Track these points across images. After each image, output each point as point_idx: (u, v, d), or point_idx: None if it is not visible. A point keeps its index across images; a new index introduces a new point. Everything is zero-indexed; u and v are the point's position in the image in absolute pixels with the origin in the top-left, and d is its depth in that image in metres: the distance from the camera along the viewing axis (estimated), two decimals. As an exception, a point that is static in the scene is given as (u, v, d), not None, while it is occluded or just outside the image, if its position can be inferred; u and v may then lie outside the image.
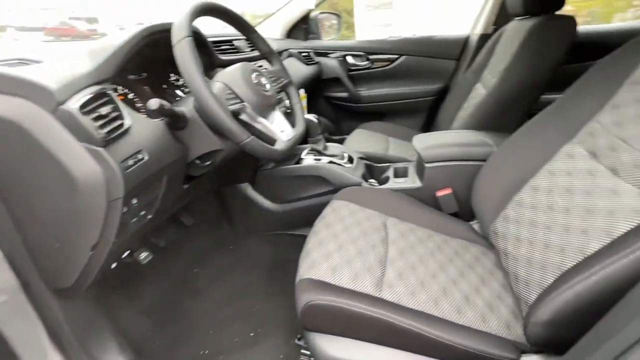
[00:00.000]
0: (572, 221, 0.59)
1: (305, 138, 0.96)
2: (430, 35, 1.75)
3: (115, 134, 0.58)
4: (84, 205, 0.57)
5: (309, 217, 1.16)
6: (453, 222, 0.92)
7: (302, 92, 1.57)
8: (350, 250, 0.75)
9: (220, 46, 1.03)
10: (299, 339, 0.95)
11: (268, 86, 0.75)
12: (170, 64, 0.90)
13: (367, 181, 1.11)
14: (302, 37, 1.84)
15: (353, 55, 1.85)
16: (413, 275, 0.70)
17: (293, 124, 0.87)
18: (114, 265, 0.75)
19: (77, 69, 0.59)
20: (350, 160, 1.17)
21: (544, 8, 1.10)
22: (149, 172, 0.63)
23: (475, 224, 0.95)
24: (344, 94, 1.91)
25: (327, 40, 1.94)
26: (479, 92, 1.32)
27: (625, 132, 0.58)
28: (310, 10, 1.72)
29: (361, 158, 1.23)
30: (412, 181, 1.06)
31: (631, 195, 0.52)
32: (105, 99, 0.59)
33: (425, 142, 1.03)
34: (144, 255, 0.91)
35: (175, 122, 0.70)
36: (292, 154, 1.22)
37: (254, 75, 0.73)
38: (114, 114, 0.59)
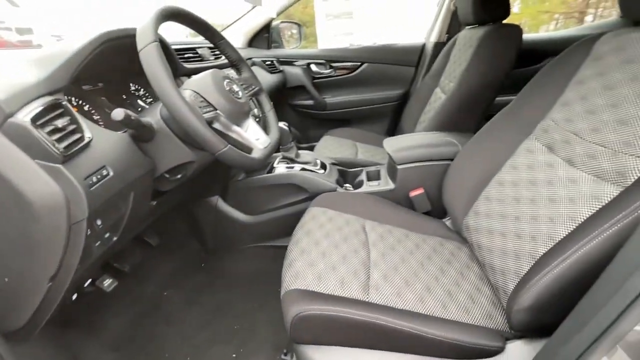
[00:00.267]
0: (539, 210, 0.64)
1: (277, 146, 0.95)
2: (389, 43, 1.82)
3: (75, 148, 0.52)
4: (40, 231, 0.50)
5: (285, 226, 1.14)
6: (427, 221, 0.96)
7: (268, 100, 1.55)
8: (334, 257, 0.74)
9: (184, 54, 0.99)
10: (285, 354, 0.92)
11: (241, 93, 0.72)
12: (130, 73, 0.84)
13: (342, 186, 1.12)
14: (265, 46, 1.83)
15: (316, 64, 1.87)
16: (397, 275, 0.71)
17: (266, 132, 0.85)
18: (74, 297, 0.67)
19: (26, 78, 0.52)
20: (323, 166, 1.17)
21: (492, 17, 1.20)
22: (114, 190, 0.58)
23: (447, 221, 1.00)
24: (310, 102, 1.92)
25: (289, 49, 1.95)
26: (439, 96, 1.40)
27: (575, 127, 0.64)
28: (272, 19, 1.72)
29: (333, 164, 1.23)
30: (385, 183, 1.09)
31: (588, 182, 0.57)
32: (60, 110, 0.53)
33: (396, 145, 1.06)
34: (107, 282, 0.83)
35: (141, 134, 0.65)
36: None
37: (225, 82, 0.70)
38: (71, 127, 0.53)
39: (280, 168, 1.14)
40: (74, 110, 0.55)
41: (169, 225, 1.24)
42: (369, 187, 1.09)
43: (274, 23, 1.81)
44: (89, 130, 0.56)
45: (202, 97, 0.66)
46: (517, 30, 1.13)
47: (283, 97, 1.90)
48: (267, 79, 1.62)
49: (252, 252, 1.25)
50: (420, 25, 1.85)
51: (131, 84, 0.84)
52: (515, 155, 0.76)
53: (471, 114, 1.24)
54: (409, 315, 0.62)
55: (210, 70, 0.70)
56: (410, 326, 0.58)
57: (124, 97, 0.80)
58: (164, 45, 0.77)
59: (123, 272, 0.97)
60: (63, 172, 0.49)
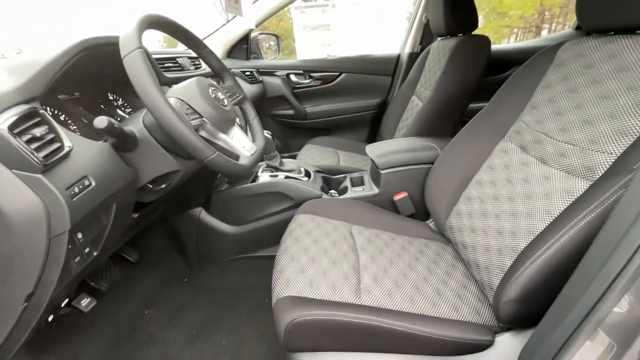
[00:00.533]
0: (517, 207, 0.67)
1: (263, 153, 0.94)
2: (366, 54, 1.88)
3: (55, 157, 0.50)
4: (17, 247, 0.47)
5: (270, 236, 1.13)
6: (411, 223, 0.98)
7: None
8: (324, 262, 0.75)
9: (164, 63, 0.97)
10: None
11: (226, 101, 0.72)
12: (108, 82, 0.82)
13: (327, 193, 1.12)
14: (243, 57, 1.83)
15: (296, 74, 1.89)
16: (387, 277, 0.72)
17: (252, 139, 0.85)
18: (50, 318, 0.62)
19: (0, 86, 0.50)
20: (307, 174, 1.18)
21: (462, 29, 1.27)
22: (97, 201, 0.55)
23: (430, 223, 1.02)
24: (290, 112, 1.93)
25: (268, 60, 1.97)
26: (416, 104, 1.45)
27: (545, 127, 0.68)
28: (251, 31, 1.73)
29: (317, 171, 1.24)
30: (369, 188, 1.11)
31: (560, 178, 0.61)
32: (37, 119, 0.51)
33: (378, 151, 1.09)
34: (85, 302, 0.78)
35: (124, 143, 0.63)
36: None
37: (210, 89, 0.69)
38: (49, 136, 0.50)
39: (264, 177, 1.14)
40: (51, 119, 0.53)
41: (149, 241, 1.19)
42: (353, 192, 1.11)
43: (253, 34, 1.82)
44: (68, 139, 0.53)
45: (187, 104, 0.65)
46: (486, 40, 1.21)
47: (263, 107, 1.90)
48: (247, 89, 1.62)
49: (237, 264, 1.23)
50: (394, 37, 1.93)
51: (109, 94, 0.81)
52: (491, 156, 0.80)
53: (447, 119, 1.30)
54: (401, 315, 0.63)
55: (195, 78, 0.69)
56: (403, 325, 0.59)
57: (102, 106, 0.78)
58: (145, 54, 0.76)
59: (100, 291, 0.92)
60: (43, 182, 0.47)
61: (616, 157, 0.53)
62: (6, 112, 0.47)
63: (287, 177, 1.13)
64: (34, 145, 0.47)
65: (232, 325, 1.05)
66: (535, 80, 0.75)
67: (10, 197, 0.45)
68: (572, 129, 0.62)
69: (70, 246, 0.51)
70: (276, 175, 1.14)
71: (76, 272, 0.58)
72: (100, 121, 0.55)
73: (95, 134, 0.66)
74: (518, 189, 0.69)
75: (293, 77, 1.90)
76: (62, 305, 0.71)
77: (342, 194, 1.12)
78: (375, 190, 1.08)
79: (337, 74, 1.87)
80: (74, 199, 0.50)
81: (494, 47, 1.29)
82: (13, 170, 0.46)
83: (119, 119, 0.78)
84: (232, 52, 1.78)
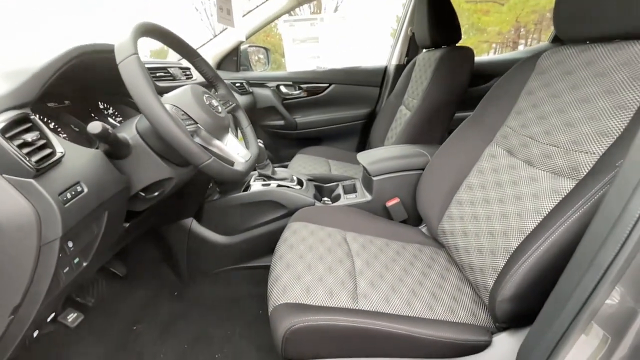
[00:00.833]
0: (507, 208, 0.69)
1: (257, 160, 0.94)
2: (354, 66, 1.93)
3: (47, 162, 0.49)
4: (5, 254, 0.45)
5: (263, 245, 1.12)
6: (405, 229, 0.99)
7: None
8: (320, 268, 0.74)
9: (155, 73, 0.97)
10: None
11: (220, 108, 0.72)
12: (99, 91, 0.81)
13: (320, 201, 1.13)
14: (233, 69, 1.85)
15: (285, 85, 1.92)
16: (383, 282, 0.72)
17: (246, 147, 0.85)
18: (35, 334, 0.59)
19: None
20: (300, 182, 1.18)
21: (446, 41, 1.33)
22: (89, 208, 0.54)
23: (423, 228, 1.04)
24: (280, 122, 1.95)
25: (258, 71, 1.99)
26: (404, 113, 1.49)
27: (530, 131, 0.71)
28: (241, 43, 1.76)
29: (310, 180, 1.25)
30: (362, 195, 1.11)
31: (547, 179, 0.64)
32: (28, 124, 0.50)
33: (369, 158, 1.10)
34: (72, 317, 0.75)
35: (117, 150, 0.62)
36: (239, 182, 1.18)
37: (205, 96, 0.70)
38: (41, 142, 0.49)
39: (257, 185, 1.13)
40: (43, 125, 0.52)
41: (138, 254, 1.16)
42: (346, 200, 1.11)
43: (242, 47, 1.85)
44: (60, 145, 0.52)
45: (182, 110, 0.65)
46: (469, 51, 1.27)
47: (253, 118, 1.91)
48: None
49: (230, 275, 1.20)
50: (380, 49, 2.00)
51: (99, 102, 0.80)
52: (480, 161, 0.82)
53: (435, 127, 1.33)
54: (399, 318, 0.63)
55: (189, 85, 0.69)
56: (402, 328, 0.59)
57: (93, 115, 0.77)
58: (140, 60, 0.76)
59: (87, 307, 0.88)
60: (35, 187, 0.45)
61: (599, 157, 0.55)
62: None
63: (279, 185, 1.13)
64: (26, 150, 0.46)
65: (226, 338, 1.02)
66: (518, 87, 0.78)
67: None
68: (555, 132, 0.65)
69: (60, 255, 0.50)
70: (268, 184, 1.13)
71: (65, 283, 0.55)
72: (94, 126, 0.54)
73: (86, 142, 0.65)
74: (507, 191, 0.71)
75: (283, 88, 1.92)
76: (48, 320, 0.68)
77: (335, 202, 1.13)
78: (368, 197, 1.09)
79: (327, 85, 1.91)
80: (67, 205, 0.49)
81: (476, 59, 1.34)
82: (3, 175, 0.45)
83: (109, 128, 0.77)
84: (222, 64, 1.80)
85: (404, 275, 0.75)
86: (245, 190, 1.13)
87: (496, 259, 0.66)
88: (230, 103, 0.87)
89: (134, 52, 0.55)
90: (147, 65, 0.84)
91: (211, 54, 1.71)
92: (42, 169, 0.47)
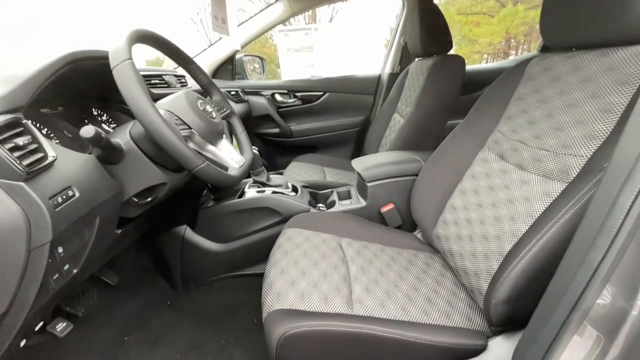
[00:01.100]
0: (500, 212, 0.69)
1: (251, 166, 0.94)
2: (349, 74, 1.95)
3: (39, 166, 0.48)
4: None
5: (258, 253, 1.11)
6: (399, 235, 0.99)
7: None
8: (314, 274, 0.74)
9: (150, 80, 0.98)
10: None
11: (214, 114, 0.73)
12: (92, 97, 0.81)
13: (315, 207, 1.13)
14: (229, 78, 1.86)
15: (280, 93, 1.94)
16: (378, 288, 0.72)
17: (240, 153, 0.85)
18: (23, 344, 0.58)
19: None
20: (295, 189, 1.18)
21: (438, 50, 1.35)
22: (80, 213, 0.53)
23: (418, 234, 1.04)
24: (275, 130, 1.96)
25: (253, 80, 2.01)
26: (398, 120, 1.51)
27: (520, 136, 0.72)
28: (236, 52, 1.77)
29: (304, 186, 1.25)
30: (356, 201, 1.12)
31: (538, 182, 0.64)
32: (20, 129, 0.49)
33: (364, 164, 1.11)
34: (61, 327, 0.73)
35: (110, 155, 0.62)
36: (234, 189, 1.17)
37: (199, 102, 0.70)
38: (32, 146, 0.49)
39: (251, 192, 1.13)
40: (35, 130, 0.52)
41: (130, 262, 1.14)
42: (341, 206, 1.11)
43: (238, 56, 1.86)
44: (52, 149, 0.52)
45: (176, 116, 0.65)
46: (460, 59, 1.30)
47: (249, 126, 1.92)
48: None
49: (224, 283, 1.19)
50: (374, 58, 2.03)
51: (93, 109, 0.80)
52: (473, 166, 0.83)
53: (428, 134, 1.35)
54: (394, 323, 0.62)
55: (184, 91, 0.70)
56: (398, 333, 0.59)
57: (86, 121, 0.77)
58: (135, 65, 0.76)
59: (77, 317, 0.86)
60: (25, 190, 0.45)
61: (587, 159, 0.57)
62: None
63: (274, 192, 1.13)
64: (17, 153, 0.46)
65: (220, 348, 1.00)
66: (508, 94, 0.80)
67: None
68: (545, 136, 0.66)
69: (50, 260, 0.49)
70: (263, 191, 1.13)
71: (54, 290, 0.54)
72: (87, 130, 0.54)
73: (79, 148, 0.64)
74: (500, 195, 0.72)
75: (278, 97, 1.94)
76: (36, 329, 0.67)
77: (330, 208, 1.13)
78: (363, 203, 1.09)
79: (321, 93, 1.93)
80: (57, 209, 0.48)
81: (468, 67, 1.37)
82: None
83: (102, 132, 0.77)
84: (217, 73, 1.81)
85: (399, 281, 0.75)
86: (240, 197, 1.12)
87: (490, 262, 0.67)
88: (225, 109, 0.87)
89: (128, 57, 0.56)
90: (141, 73, 0.85)
91: (207, 63, 1.72)
92: (33, 173, 0.47)
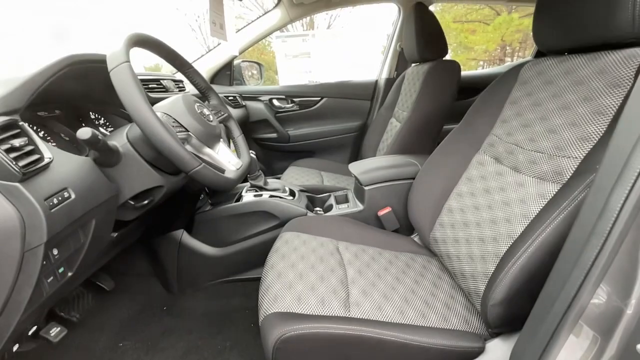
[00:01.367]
0: (496, 214, 0.70)
1: (248, 170, 0.95)
2: (346, 80, 1.97)
3: (35, 167, 0.48)
4: None
5: (255, 257, 1.10)
6: (397, 238, 0.99)
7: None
8: (311, 277, 0.74)
9: (148, 85, 0.98)
10: None
11: (212, 117, 0.73)
12: (90, 101, 0.81)
13: (312, 211, 1.13)
14: (227, 83, 1.88)
15: (278, 99, 1.95)
16: (375, 291, 0.72)
17: (238, 156, 0.85)
18: (15, 348, 0.57)
19: None
20: (292, 193, 1.18)
21: (433, 56, 1.37)
22: (76, 214, 0.53)
23: (415, 237, 1.04)
24: (273, 135, 1.96)
25: (251, 86, 2.02)
26: (394, 125, 1.52)
27: (515, 139, 0.73)
28: (234, 57, 1.79)
29: (302, 190, 1.25)
30: (354, 205, 1.12)
31: (533, 184, 0.65)
32: (17, 130, 0.50)
33: (361, 168, 1.11)
34: (55, 331, 0.72)
35: (106, 158, 0.62)
36: (231, 193, 1.17)
37: (196, 105, 0.70)
38: (28, 147, 0.49)
39: (249, 196, 1.13)
40: (31, 131, 0.52)
41: (126, 267, 1.13)
42: (338, 210, 1.11)
43: (236, 62, 1.88)
44: (49, 151, 0.52)
45: (173, 118, 0.65)
46: (456, 64, 1.31)
47: (246, 131, 1.92)
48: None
49: (221, 288, 1.18)
50: (370, 64, 2.05)
51: (91, 113, 0.80)
52: (469, 169, 0.84)
53: (424, 138, 1.36)
54: (392, 325, 0.62)
55: (181, 95, 0.70)
56: (395, 335, 0.58)
57: (83, 125, 0.77)
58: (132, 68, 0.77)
59: (71, 322, 0.85)
60: (21, 191, 0.45)
61: (580, 161, 0.57)
62: None
63: (271, 196, 1.13)
64: (13, 154, 0.46)
65: (217, 353, 0.99)
66: (503, 97, 0.81)
67: None
68: (539, 139, 0.66)
69: (44, 262, 0.48)
70: (260, 195, 1.13)
71: (48, 293, 0.54)
72: (84, 132, 0.54)
73: (76, 150, 0.64)
74: (496, 197, 0.72)
75: (276, 102, 1.95)
76: (29, 334, 0.66)
77: (327, 212, 1.13)
78: (360, 206, 1.09)
79: (319, 98, 1.94)
80: (52, 210, 0.48)
81: (463, 73, 1.39)
82: None
83: (99, 134, 0.77)
84: (215, 78, 1.82)
85: (396, 284, 0.75)
86: (237, 201, 1.12)
87: (487, 264, 0.67)
88: (222, 113, 0.88)
89: (126, 60, 0.56)
90: (139, 77, 0.85)
91: (205, 68, 1.73)
92: (29, 174, 0.47)
